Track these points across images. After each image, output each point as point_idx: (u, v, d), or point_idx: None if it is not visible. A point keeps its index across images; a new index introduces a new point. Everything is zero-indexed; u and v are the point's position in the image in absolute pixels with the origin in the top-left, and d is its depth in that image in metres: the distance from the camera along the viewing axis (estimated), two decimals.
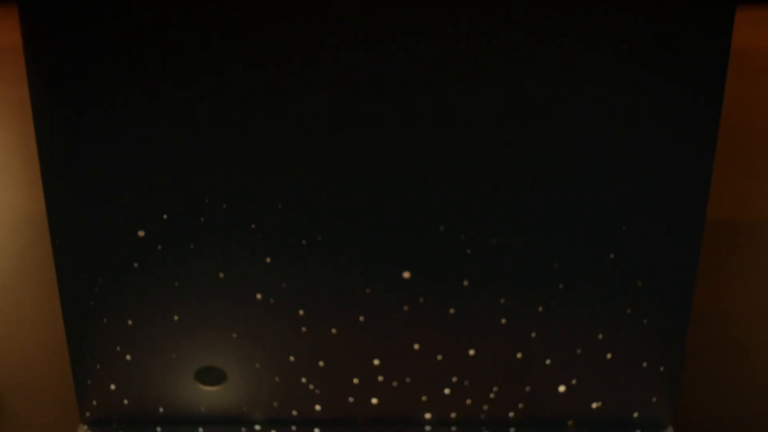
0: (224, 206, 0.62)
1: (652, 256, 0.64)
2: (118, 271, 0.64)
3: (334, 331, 0.66)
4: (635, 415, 0.69)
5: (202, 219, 0.62)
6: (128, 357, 0.67)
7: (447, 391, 0.69)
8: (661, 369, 0.67)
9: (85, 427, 0.70)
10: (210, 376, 0.70)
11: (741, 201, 0.92)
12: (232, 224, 0.63)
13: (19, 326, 0.81)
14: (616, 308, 0.65)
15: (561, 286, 0.64)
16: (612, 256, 0.63)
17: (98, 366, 0.67)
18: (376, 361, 0.68)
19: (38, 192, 0.92)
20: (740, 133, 0.98)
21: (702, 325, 0.81)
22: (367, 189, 0.62)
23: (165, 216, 0.62)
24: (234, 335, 0.66)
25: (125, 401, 0.69)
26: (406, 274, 0.65)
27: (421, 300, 0.65)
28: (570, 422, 0.70)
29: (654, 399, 0.68)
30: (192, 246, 0.63)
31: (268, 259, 0.64)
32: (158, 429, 0.70)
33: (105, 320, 0.65)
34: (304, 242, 0.63)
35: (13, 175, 0.95)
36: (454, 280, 0.65)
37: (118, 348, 0.67)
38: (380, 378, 0.68)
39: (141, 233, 0.63)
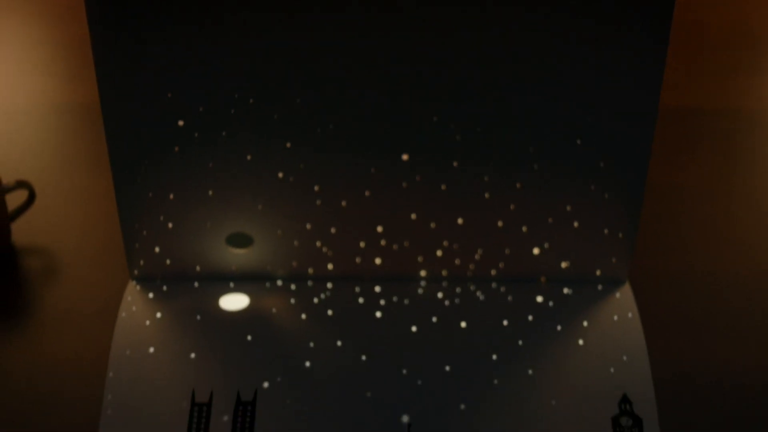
0: (251, 100, 0.67)
1: (611, 142, 0.69)
2: (162, 153, 0.69)
3: (344, 203, 0.72)
4: (598, 272, 0.75)
5: (233, 111, 0.67)
6: (170, 225, 0.73)
7: (439, 252, 0.75)
8: (620, 235, 0.73)
9: (134, 283, 0.76)
10: (239, 240, 0.75)
11: (702, 92, 0.96)
12: (258, 115, 0.68)
13: (73, 200, 0.86)
14: (581, 184, 0.71)
15: (535, 166, 0.70)
16: (579, 141, 0.68)
17: (145, 232, 0.73)
18: (380, 228, 0.73)
19: (85, 84, 0.95)
20: (706, 29, 1.01)
21: (658, 198, 0.85)
22: (373, 86, 0.67)
23: (201, 108, 0.67)
24: (260, 207, 0.72)
25: (167, 261, 0.75)
26: (405, 156, 0.70)
27: (417, 177, 0.71)
28: (542, 278, 0.76)
29: (613, 259, 0.75)
30: (224, 133, 0.68)
31: (288, 144, 0.69)
32: (195, 284, 0.76)
33: (150, 194, 0.71)
34: (318, 130, 0.68)
35: (64, 68, 0.97)
36: (445, 161, 0.70)
37: (162, 217, 0.73)
38: (383, 242, 0.74)
39: (181, 122, 0.68)
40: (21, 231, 0.84)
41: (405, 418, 0.70)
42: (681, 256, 0.82)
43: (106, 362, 0.73)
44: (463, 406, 0.71)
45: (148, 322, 0.74)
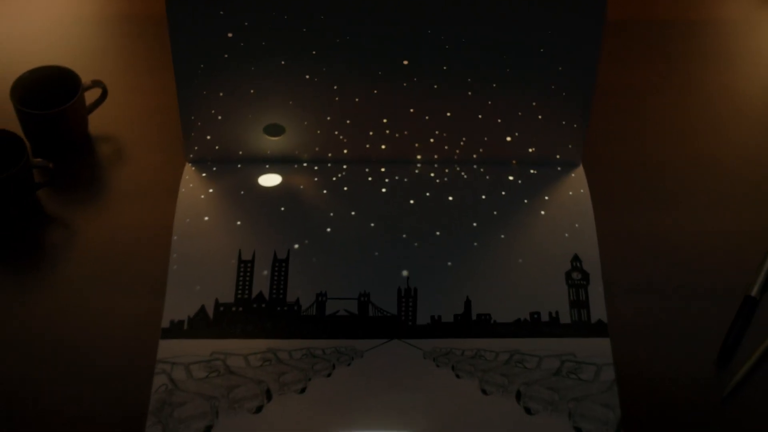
0: (285, 17, 0.76)
1: (567, 50, 0.77)
2: (213, 59, 0.78)
3: (357, 99, 0.81)
4: (557, 156, 0.85)
5: (271, 25, 0.76)
6: (219, 117, 0.82)
7: (432, 140, 0.84)
8: (574, 125, 0.82)
9: (190, 164, 0.86)
10: (273, 130, 0.83)
11: (640, 4, 0.99)
12: (290, 28, 0.76)
13: (139, 96, 0.91)
14: (544, 85, 0.80)
15: (508, 70, 0.79)
16: (542, 50, 0.77)
17: (199, 123, 0.82)
18: (385, 120, 0.82)
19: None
20: None
21: (610, 97, 0.92)
22: (381, 6, 0.75)
23: (246, 23, 0.76)
24: (290, 102, 0.81)
25: (216, 147, 0.84)
26: (405, 62, 0.79)
27: (415, 79, 0.79)
28: (514, 161, 0.86)
29: (570, 145, 0.84)
30: (263, 43, 0.77)
31: (314, 52, 0.78)
32: (238, 165, 0.85)
33: (204, 92, 0.80)
34: (338, 41, 0.77)
35: None
36: (437, 65, 0.79)
37: (213, 111, 0.82)
38: (387, 131, 0.83)
39: (230, 34, 0.77)
40: (96, 122, 0.90)
41: (404, 272, 0.80)
42: (628, 144, 0.88)
43: (169, 229, 0.82)
44: (449, 263, 0.80)
45: (202, 196, 0.83)
